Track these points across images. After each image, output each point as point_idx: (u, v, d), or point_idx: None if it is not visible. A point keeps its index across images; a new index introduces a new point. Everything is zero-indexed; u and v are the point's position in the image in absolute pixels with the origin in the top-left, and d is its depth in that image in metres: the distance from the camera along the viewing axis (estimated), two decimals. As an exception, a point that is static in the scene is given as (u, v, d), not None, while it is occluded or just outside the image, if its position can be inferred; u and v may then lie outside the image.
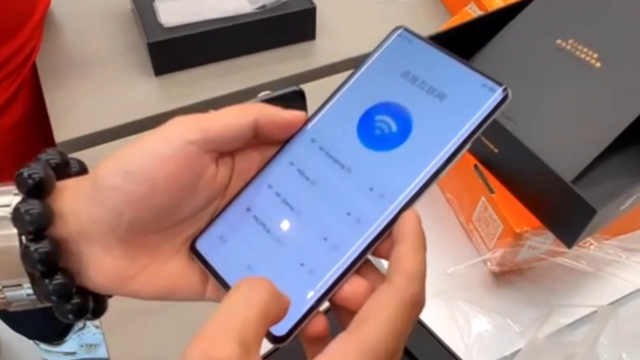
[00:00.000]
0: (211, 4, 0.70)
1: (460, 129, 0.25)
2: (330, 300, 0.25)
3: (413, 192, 0.25)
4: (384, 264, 0.24)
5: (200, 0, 0.71)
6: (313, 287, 0.24)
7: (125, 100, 0.68)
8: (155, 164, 0.25)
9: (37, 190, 0.25)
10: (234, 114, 0.26)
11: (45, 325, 1.00)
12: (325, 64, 0.73)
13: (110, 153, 0.25)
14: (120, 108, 0.67)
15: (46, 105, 0.67)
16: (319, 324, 0.24)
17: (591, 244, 0.51)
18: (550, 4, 0.52)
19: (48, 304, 0.26)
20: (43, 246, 0.24)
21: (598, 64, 0.48)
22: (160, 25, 0.68)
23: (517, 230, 0.48)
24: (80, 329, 1.09)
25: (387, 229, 0.24)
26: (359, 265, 0.25)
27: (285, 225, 0.26)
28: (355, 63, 0.29)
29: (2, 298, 0.26)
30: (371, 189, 0.25)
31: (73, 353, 1.09)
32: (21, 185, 0.25)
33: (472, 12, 0.64)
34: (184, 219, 0.27)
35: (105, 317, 0.28)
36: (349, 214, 0.25)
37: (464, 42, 0.50)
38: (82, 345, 1.09)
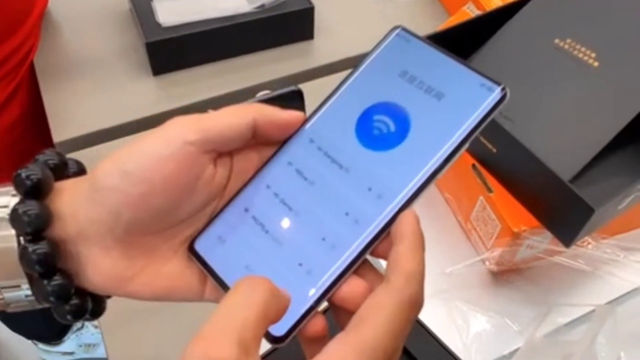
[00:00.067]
0: (209, 3, 0.70)
1: (459, 128, 0.25)
2: (329, 301, 0.25)
3: (411, 192, 0.25)
4: (383, 264, 0.24)
5: (198, 0, 0.71)
6: (311, 288, 0.24)
7: (123, 100, 0.68)
8: (153, 164, 0.25)
9: (35, 191, 0.25)
10: (233, 114, 0.26)
11: (43, 325, 0.99)
12: (324, 64, 0.73)
13: (108, 153, 0.25)
14: (119, 108, 0.67)
15: (44, 105, 0.67)
16: (317, 324, 0.24)
17: (589, 243, 0.51)
18: (548, 3, 0.52)
19: (46, 305, 0.26)
20: (41, 247, 0.24)
21: (596, 64, 0.48)
22: (158, 24, 0.68)
23: (515, 230, 0.48)
24: (78, 329, 1.09)
25: (386, 229, 0.24)
26: (358, 265, 0.25)
27: (283, 225, 0.26)
28: (353, 63, 0.29)
29: (1, 299, 0.26)
30: (369, 189, 0.25)
31: (71, 353, 1.08)
32: (19, 186, 0.25)
33: (470, 11, 0.65)
34: (183, 220, 0.27)
35: (104, 317, 0.28)
36: (347, 214, 0.25)
37: (462, 41, 0.50)
38: (80, 345, 1.08)
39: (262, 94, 0.50)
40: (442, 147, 0.25)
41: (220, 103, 0.68)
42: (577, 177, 0.45)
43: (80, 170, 0.29)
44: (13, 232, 0.25)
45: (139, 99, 0.68)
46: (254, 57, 0.73)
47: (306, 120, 0.28)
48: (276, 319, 0.22)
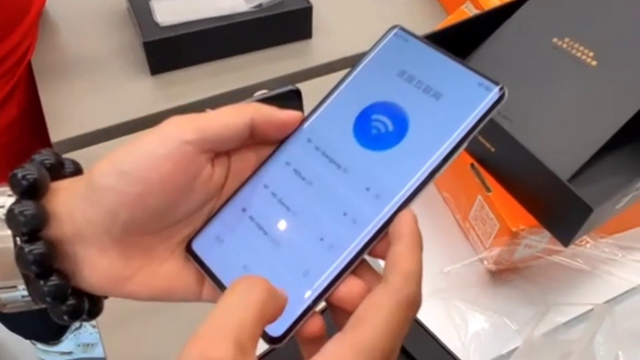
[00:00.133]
0: (207, 2, 0.70)
1: (457, 128, 0.25)
2: (327, 301, 0.25)
3: (409, 192, 0.25)
4: (381, 263, 0.24)
5: (196, -1, 0.71)
6: (309, 288, 0.24)
7: (121, 100, 0.68)
8: (150, 164, 0.25)
9: (31, 191, 0.25)
10: (230, 114, 0.26)
11: (41, 325, 0.99)
12: (322, 63, 0.73)
13: (106, 153, 0.25)
14: (116, 107, 0.67)
15: (41, 104, 0.67)
16: (315, 324, 0.24)
17: (587, 243, 0.51)
18: (546, 2, 0.52)
19: (43, 306, 0.26)
20: (37, 247, 0.24)
21: (594, 63, 0.48)
22: (156, 24, 0.68)
23: (514, 229, 0.48)
24: (77, 329, 1.09)
25: (384, 229, 0.24)
26: (356, 265, 0.24)
27: (281, 225, 0.26)
28: (351, 62, 0.29)
29: (-3, 300, 0.26)
30: (367, 189, 0.25)
31: (70, 353, 1.08)
32: (15, 186, 0.25)
33: (468, 11, 0.64)
34: (180, 220, 0.27)
35: (102, 317, 0.28)
36: (345, 214, 0.25)
37: (460, 41, 0.50)
38: (78, 345, 1.08)
39: (259, 93, 0.50)
40: (440, 146, 0.25)
41: (218, 102, 0.67)
42: (575, 176, 0.45)
43: (77, 170, 0.29)
44: (9, 232, 0.25)
45: (136, 99, 0.68)
46: (252, 57, 0.73)
47: (304, 120, 0.28)
48: (273, 318, 0.22)
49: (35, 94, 0.68)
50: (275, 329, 0.23)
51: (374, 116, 0.27)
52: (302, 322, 0.24)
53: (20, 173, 0.25)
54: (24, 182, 0.25)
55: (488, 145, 0.46)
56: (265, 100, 0.46)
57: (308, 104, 0.43)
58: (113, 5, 0.76)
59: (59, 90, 0.68)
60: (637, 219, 0.56)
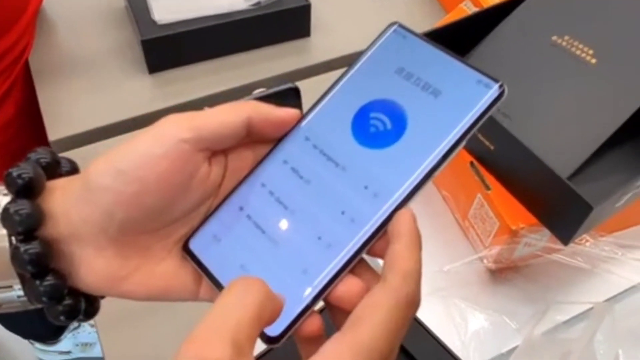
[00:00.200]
0: (205, 0, 0.70)
1: (456, 126, 0.25)
2: (325, 300, 0.24)
3: (408, 191, 0.24)
4: (380, 262, 0.24)
5: (194, -3, 0.70)
6: (307, 287, 0.24)
7: (119, 98, 0.68)
8: (147, 163, 0.24)
9: (26, 190, 0.25)
10: (227, 112, 0.26)
11: (39, 325, 0.99)
12: (321, 61, 0.73)
13: (104, 151, 0.25)
14: (114, 106, 0.67)
15: (39, 103, 0.67)
16: (313, 323, 0.24)
17: (587, 241, 0.51)
18: (546, 0, 0.52)
19: (39, 306, 0.26)
20: (33, 247, 0.24)
21: (594, 61, 0.48)
22: (154, 22, 0.68)
23: (513, 227, 0.48)
24: (75, 328, 1.09)
25: (382, 228, 0.24)
26: (354, 264, 0.24)
27: (279, 224, 0.26)
28: (350, 60, 0.28)
29: (-8, 300, 0.26)
30: (366, 187, 0.25)
31: (68, 352, 1.08)
32: (10, 185, 0.25)
33: (467, 8, 0.64)
34: (177, 219, 0.27)
35: (100, 317, 0.28)
36: (343, 212, 0.25)
37: (459, 38, 0.50)
38: (77, 345, 1.08)
39: (258, 91, 0.49)
40: (439, 144, 0.25)
41: (217, 101, 0.67)
42: (575, 175, 0.45)
43: (73, 169, 0.29)
44: (4, 231, 0.25)
45: (134, 97, 0.68)
46: (250, 55, 0.73)
47: (302, 118, 0.28)
48: (270, 321, 0.22)
49: (33, 92, 0.68)
50: (273, 329, 0.23)
51: (373, 114, 0.26)
52: (300, 322, 0.24)
53: (15, 172, 0.25)
54: (20, 181, 0.24)
55: (487, 143, 0.46)
56: (264, 99, 0.45)
57: (307, 102, 0.43)
58: (111, 3, 0.76)
59: (57, 88, 0.68)
60: (637, 217, 0.56)
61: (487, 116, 0.25)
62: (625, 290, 0.53)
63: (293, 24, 0.73)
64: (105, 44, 0.73)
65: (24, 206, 0.24)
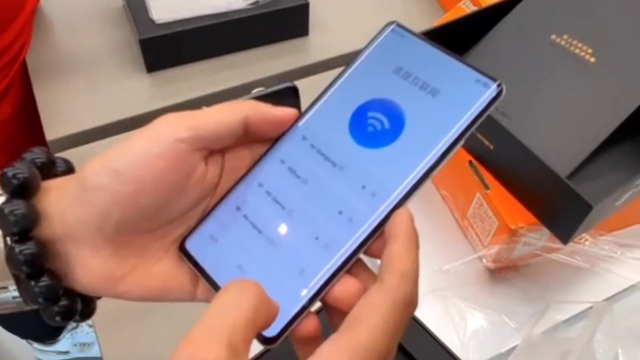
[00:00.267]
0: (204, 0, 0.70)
1: (454, 125, 0.25)
2: (322, 301, 0.24)
3: (406, 190, 0.24)
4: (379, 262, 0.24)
5: (192, -4, 0.70)
6: (304, 287, 0.24)
7: (117, 98, 0.67)
8: (143, 163, 0.24)
9: (21, 191, 0.24)
10: (224, 112, 0.26)
11: (37, 325, 0.99)
12: (319, 60, 0.73)
13: (102, 151, 0.25)
14: (112, 105, 0.67)
15: (36, 102, 0.66)
16: (310, 324, 0.24)
17: (586, 240, 0.51)
18: (545, -2, 0.52)
19: (34, 307, 0.26)
20: (28, 247, 0.24)
21: (593, 59, 0.48)
22: (152, 21, 0.68)
23: (513, 227, 0.47)
24: (73, 328, 1.09)
25: (380, 228, 0.24)
26: (351, 264, 0.24)
27: (275, 224, 0.26)
28: (348, 59, 0.28)
29: (-12, 301, 0.26)
30: (363, 187, 0.25)
31: (66, 352, 1.08)
32: (5, 185, 0.24)
33: (466, 7, 0.64)
34: (173, 219, 0.26)
35: (98, 317, 0.28)
36: (340, 212, 0.25)
37: (458, 38, 0.50)
38: (75, 345, 1.08)
39: (257, 90, 0.49)
40: (437, 144, 0.24)
41: (215, 100, 0.67)
42: (574, 174, 0.45)
43: (69, 169, 0.29)
44: None
45: (132, 97, 0.68)
46: (248, 54, 0.72)
47: (299, 118, 0.28)
48: (265, 325, 0.21)
49: (30, 92, 0.68)
50: (270, 329, 0.23)
51: (370, 113, 0.26)
52: (297, 322, 0.23)
53: (10, 172, 0.24)
54: (15, 181, 0.24)
55: (487, 142, 0.45)
56: (262, 98, 0.45)
57: (305, 101, 0.43)
58: (108, 2, 0.76)
59: (54, 88, 0.68)
60: (637, 216, 0.56)
61: (485, 115, 0.25)
62: (625, 290, 0.53)
63: (291, 23, 0.73)
64: (103, 43, 0.72)
65: (19, 206, 0.24)
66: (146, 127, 0.25)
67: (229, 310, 0.20)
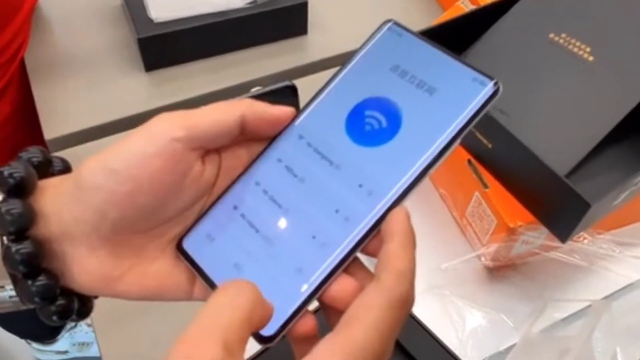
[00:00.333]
0: (202, -2, 0.70)
1: (451, 124, 0.25)
2: (319, 300, 0.24)
3: (402, 189, 0.24)
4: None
5: (190, -5, 0.70)
6: (301, 286, 0.24)
7: (115, 97, 0.67)
8: (139, 162, 0.24)
9: (18, 190, 0.24)
10: (221, 111, 0.26)
11: (36, 325, 0.99)
12: (318, 59, 0.72)
13: (100, 150, 0.25)
14: (111, 104, 0.67)
15: (35, 102, 0.66)
16: (307, 323, 0.24)
17: (585, 239, 0.51)
18: (543, -3, 0.52)
19: (31, 306, 0.26)
20: (25, 247, 0.24)
21: (591, 58, 0.48)
22: (150, 20, 0.67)
23: (511, 225, 0.47)
24: (72, 328, 1.08)
25: (376, 227, 0.24)
26: (348, 263, 0.24)
27: (273, 223, 0.26)
28: (347, 58, 0.28)
29: (-16, 300, 0.26)
30: (360, 186, 0.25)
31: (65, 352, 1.08)
32: (1, 184, 0.24)
33: (464, 6, 0.64)
34: (170, 218, 0.26)
35: (97, 316, 0.28)
36: (337, 211, 0.25)
37: (457, 36, 0.49)
38: (74, 344, 1.08)
39: (255, 89, 0.49)
40: (434, 142, 0.24)
41: (214, 99, 0.66)
42: (573, 172, 0.45)
43: (66, 168, 0.28)
44: None
45: (131, 96, 0.68)
46: (247, 53, 0.72)
47: (296, 116, 0.28)
48: (260, 325, 0.21)
49: (29, 91, 0.68)
50: (267, 328, 0.23)
51: (367, 112, 0.26)
52: (294, 322, 0.23)
53: (6, 171, 0.24)
54: (11, 181, 0.24)
55: (485, 141, 0.45)
56: (261, 97, 0.45)
57: (304, 100, 0.43)
58: (107, 1, 0.76)
59: (53, 87, 0.68)
60: (635, 215, 0.56)
61: (482, 114, 0.25)
62: (623, 288, 0.53)
63: (290, 22, 0.73)
64: (102, 42, 0.72)
65: (16, 206, 0.24)
66: (142, 126, 0.25)
67: (225, 309, 0.20)
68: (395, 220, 0.23)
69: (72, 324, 1.08)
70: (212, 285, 0.26)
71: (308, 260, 0.24)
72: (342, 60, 0.28)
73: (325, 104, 0.27)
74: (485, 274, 0.54)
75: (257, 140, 0.28)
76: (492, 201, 0.49)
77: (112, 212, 0.24)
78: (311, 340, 0.23)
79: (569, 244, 0.49)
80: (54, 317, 0.26)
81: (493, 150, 0.45)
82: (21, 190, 0.25)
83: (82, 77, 0.69)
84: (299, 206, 0.26)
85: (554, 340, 0.48)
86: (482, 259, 0.53)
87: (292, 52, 0.73)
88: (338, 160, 0.26)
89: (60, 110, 0.66)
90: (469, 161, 0.51)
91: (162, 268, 0.27)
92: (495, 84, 0.25)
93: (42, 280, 0.24)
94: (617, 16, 0.49)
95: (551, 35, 0.50)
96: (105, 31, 0.73)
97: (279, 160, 0.27)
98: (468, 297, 0.51)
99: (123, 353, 0.50)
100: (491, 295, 0.52)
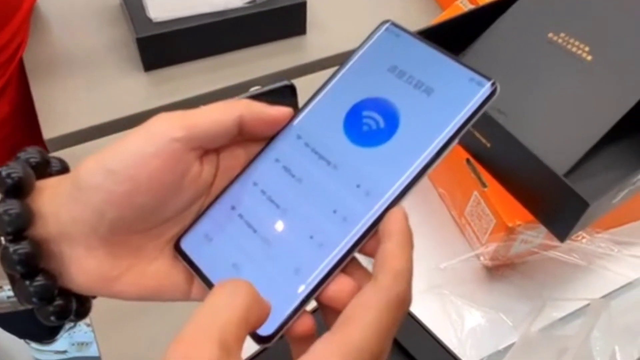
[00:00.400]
0: (201, -2, 0.70)
1: (448, 124, 0.25)
2: (317, 300, 0.24)
3: (400, 189, 0.24)
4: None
5: (189, -5, 0.70)
6: (299, 286, 0.24)
7: (114, 96, 0.67)
8: (137, 162, 0.24)
9: (16, 190, 0.24)
10: (219, 111, 0.26)
11: (35, 325, 0.99)
12: (316, 59, 0.72)
13: (99, 150, 0.25)
14: (110, 104, 0.66)
15: (34, 101, 0.66)
16: (305, 323, 0.24)
17: (583, 238, 0.51)
18: (542, -4, 0.52)
19: (29, 306, 0.26)
20: (23, 247, 0.24)
21: (589, 57, 0.48)
22: (149, 20, 0.67)
23: (510, 225, 0.47)
24: (71, 328, 1.08)
25: (374, 227, 0.24)
26: (346, 263, 0.24)
27: (270, 223, 0.26)
28: (346, 58, 0.28)
29: (-18, 301, 0.26)
30: (358, 186, 0.25)
31: (64, 352, 1.08)
32: None
33: (463, 6, 0.64)
34: (168, 218, 0.26)
35: (96, 316, 0.28)
36: (335, 211, 0.25)
37: (455, 36, 0.50)
38: (73, 344, 1.08)
39: (254, 89, 0.49)
40: (432, 143, 0.24)
41: (213, 99, 0.66)
42: (571, 171, 0.45)
43: (63, 169, 0.28)
44: None
45: (130, 95, 0.68)
46: (246, 53, 0.72)
47: (294, 116, 0.28)
48: (257, 325, 0.21)
49: (27, 91, 0.68)
50: (265, 328, 0.23)
51: (365, 112, 0.26)
52: (292, 321, 0.24)
53: (4, 171, 0.24)
54: (9, 181, 0.24)
55: (484, 140, 0.45)
56: (259, 97, 0.45)
57: (303, 100, 0.43)
58: (105, 0, 0.76)
59: (52, 87, 0.68)
60: (633, 214, 0.56)
61: (479, 114, 0.25)
62: (622, 287, 0.53)
63: (289, 22, 0.73)
64: (100, 41, 0.72)
65: (14, 206, 0.24)
66: (141, 126, 0.25)
67: (222, 309, 0.20)
68: (392, 220, 0.23)
69: (71, 323, 1.08)
70: (210, 285, 0.26)
71: (306, 260, 0.24)
72: (340, 60, 0.28)
73: (323, 105, 0.27)
74: (484, 273, 0.54)
75: (255, 140, 0.28)
76: (491, 200, 0.49)
77: (110, 212, 0.24)
78: (309, 340, 0.23)
79: (568, 243, 0.49)
80: (52, 318, 0.26)
81: (492, 149, 0.45)
82: (19, 190, 0.25)
83: (81, 77, 0.69)
84: (297, 206, 0.26)
85: (553, 339, 0.48)
86: (481, 258, 0.53)
87: (290, 52, 0.73)
88: (336, 161, 0.26)
89: (59, 110, 0.66)
90: (468, 160, 0.51)
91: (160, 268, 0.27)
92: (493, 84, 0.25)
93: (40, 280, 0.24)
94: (616, 16, 0.49)
95: (550, 35, 0.50)
96: (104, 31, 0.73)
97: (277, 161, 0.27)
98: (467, 296, 0.51)
99: (122, 353, 0.50)
100: (490, 294, 0.52)
